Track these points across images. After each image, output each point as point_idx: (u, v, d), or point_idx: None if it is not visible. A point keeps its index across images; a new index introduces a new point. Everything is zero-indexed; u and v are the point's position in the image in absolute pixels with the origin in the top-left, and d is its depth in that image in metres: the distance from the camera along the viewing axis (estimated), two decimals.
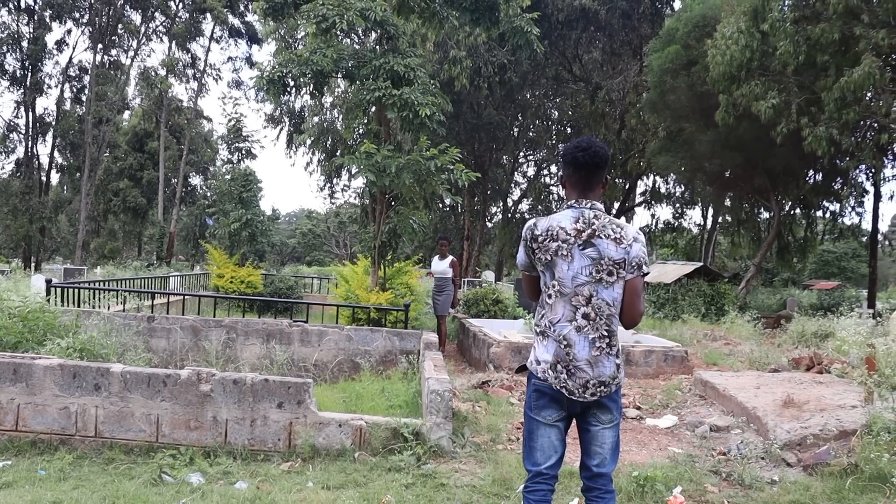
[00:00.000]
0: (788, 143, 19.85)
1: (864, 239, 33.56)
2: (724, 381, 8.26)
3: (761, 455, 5.97)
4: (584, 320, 3.40)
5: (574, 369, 3.40)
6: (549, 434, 3.53)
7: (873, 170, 24.00)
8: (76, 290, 12.18)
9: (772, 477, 5.63)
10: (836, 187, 27.93)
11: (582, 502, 5.00)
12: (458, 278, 13.71)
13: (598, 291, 3.40)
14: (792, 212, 29.79)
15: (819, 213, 31.19)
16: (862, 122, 21.35)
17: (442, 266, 12.84)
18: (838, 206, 29.98)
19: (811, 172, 26.99)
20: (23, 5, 40.36)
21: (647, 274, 3.58)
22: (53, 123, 43.08)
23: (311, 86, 13.63)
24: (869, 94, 18.09)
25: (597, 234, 3.41)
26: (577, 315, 3.41)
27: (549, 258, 3.43)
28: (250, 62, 47.33)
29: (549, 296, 3.47)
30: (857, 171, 26.35)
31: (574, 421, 3.61)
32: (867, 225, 31.02)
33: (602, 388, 3.42)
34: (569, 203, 3.56)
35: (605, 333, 3.42)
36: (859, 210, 30.73)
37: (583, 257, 3.39)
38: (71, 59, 43.74)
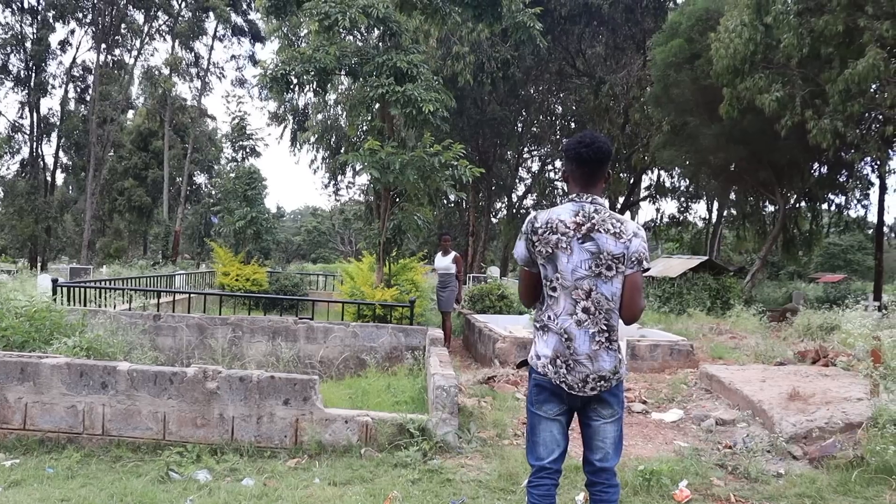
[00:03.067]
0: (793, 136, 19.80)
1: (870, 231, 33.58)
2: (729, 375, 8.26)
3: (767, 448, 5.97)
4: (584, 314, 3.41)
5: (574, 363, 3.41)
6: (551, 428, 3.53)
7: (879, 162, 23.95)
8: (82, 290, 12.22)
9: (778, 470, 5.63)
10: (841, 180, 27.90)
11: (588, 497, 5.01)
12: (462, 274, 13.71)
13: (597, 286, 3.40)
14: (797, 205, 29.77)
15: (824, 206, 31.18)
16: (867, 115, 21.28)
17: (445, 262, 12.84)
18: (844, 198, 29.96)
19: (816, 165, 26.92)
20: (26, 6, 40.45)
21: (648, 270, 3.57)
22: (58, 124, 43.16)
23: (315, 83, 13.64)
24: (874, 86, 18.03)
25: (596, 228, 3.41)
26: (578, 309, 3.41)
27: (549, 251, 3.43)
28: (254, 60, 47.38)
29: (553, 289, 3.46)
30: (863, 164, 26.29)
31: (576, 415, 3.62)
32: (873, 217, 31.02)
33: (602, 382, 3.43)
34: (570, 197, 3.57)
35: (605, 328, 3.42)
36: (865, 202, 30.69)
37: (582, 251, 3.40)
38: (74, 59, 43.84)
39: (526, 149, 40.97)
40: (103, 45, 41.52)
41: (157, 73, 45.55)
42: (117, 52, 44.33)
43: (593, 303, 3.40)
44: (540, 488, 3.54)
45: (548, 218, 3.47)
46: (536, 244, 3.47)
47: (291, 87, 13.60)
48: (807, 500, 5.03)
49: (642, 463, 5.52)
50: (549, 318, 3.48)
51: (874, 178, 28.53)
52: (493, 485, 5.25)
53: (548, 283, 3.49)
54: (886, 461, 5.30)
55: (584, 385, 3.41)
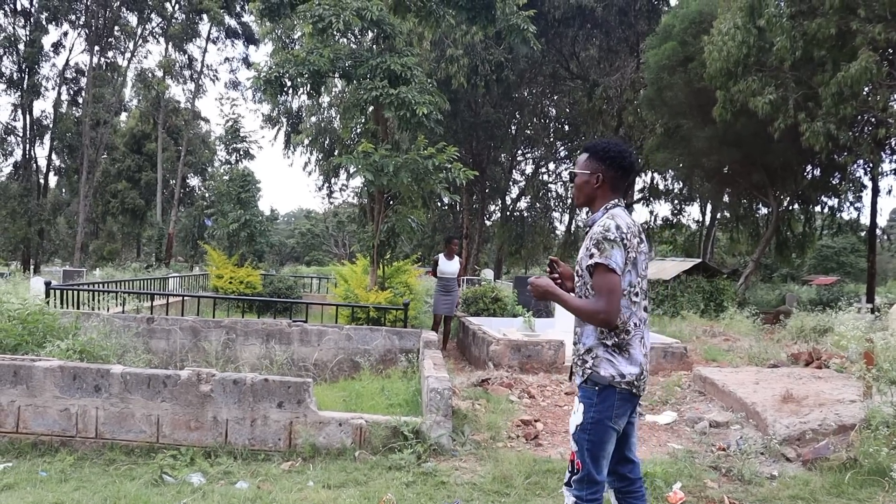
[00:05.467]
0: (786, 139, 19.85)
1: (863, 234, 33.56)
2: (723, 377, 8.27)
3: (761, 450, 5.98)
4: (644, 313, 3.56)
5: (648, 366, 3.56)
6: (615, 441, 3.57)
7: (871, 164, 23.99)
8: (75, 292, 12.18)
9: (771, 472, 5.64)
10: (834, 182, 27.90)
11: None
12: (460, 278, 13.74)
13: (647, 284, 3.56)
14: (790, 207, 29.79)
15: (817, 209, 31.20)
16: (859, 117, 21.33)
17: (453, 266, 12.83)
18: (837, 201, 29.95)
19: (809, 168, 26.97)
20: (19, 8, 40.37)
21: None
22: (51, 126, 43.06)
23: (308, 86, 13.64)
24: (866, 89, 18.07)
25: (641, 231, 3.57)
26: (645, 309, 3.56)
27: (634, 256, 3.45)
28: (247, 63, 47.34)
29: (636, 294, 3.49)
30: (856, 166, 26.33)
31: None
32: (866, 219, 31.02)
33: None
34: (615, 202, 3.59)
35: None
36: (857, 205, 30.69)
37: (643, 253, 3.52)
38: (67, 61, 43.72)
39: (520, 151, 40.96)
40: (96, 48, 41.45)
41: (150, 75, 45.51)
42: (110, 54, 44.32)
43: (648, 300, 3.52)
44: (598, 502, 3.54)
45: (625, 223, 3.46)
46: (629, 250, 3.44)
47: (285, 89, 13.59)
48: (800, 501, 5.05)
49: None
50: (634, 325, 3.48)
51: (867, 181, 28.60)
52: (488, 487, 5.24)
53: (631, 289, 3.48)
54: (879, 463, 5.31)
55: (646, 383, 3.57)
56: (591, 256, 3.39)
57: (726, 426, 6.94)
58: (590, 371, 3.46)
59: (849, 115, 17.75)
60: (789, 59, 18.02)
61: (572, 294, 3.61)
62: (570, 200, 42.26)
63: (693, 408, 7.87)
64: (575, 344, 3.62)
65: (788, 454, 5.91)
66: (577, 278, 3.60)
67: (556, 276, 3.77)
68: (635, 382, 3.43)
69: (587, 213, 3.75)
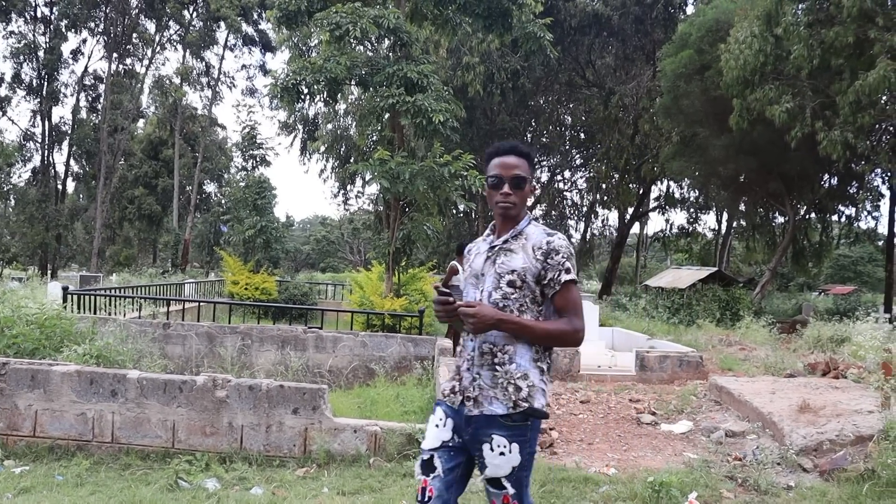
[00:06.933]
0: (803, 148, 19.76)
1: (881, 243, 33.37)
2: (739, 387, 8.23)
3: (777, 460, 5.94)
4: None
5: None
6: None
7: (889, 173, 23.91)
8: (92, 297, 12.26)
9: (788, 482, 5.60)
10: (851, 191, 27.78)
11: None
12: None
13: None
14: (807, 216, 29.65)
15: (835, 218, 31.02)
16: (877, 126, 21.23)
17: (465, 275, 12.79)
18: (854, 210, 29.79)
19: (826, 176, 26.86)
20: (39, 15, 40.70)
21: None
22: (69, 132, 43.33)
23: (325, 93, 13.71)
24: (884, 98, 17.99)
25: None
26: None
27: None
28: (264, 70, 47.63)
29: None
30: (873, 175, 26.20)
31: None
32: (883, 228, 30.86)
33: None
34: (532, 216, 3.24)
35: None
36: (875, 214, 30.51)
37: None
38: (86, 68, 44.03)
39: (535, 159, 40.93)
40: (115, 55, 41.77)
41: (167, 82, 45.85)
42: (129, 61, 44.65)
43: None
44: None
45: None
46: None
47: (302, 96, 13.67)
48: None
49: (651, 474, 5.49)
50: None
51: (884, 190, 28.44)
52: None
53: None
54: None
55: None
56: (569, 272, 2.99)
57: (742, 436, 6.90)
58: (525, 404, 2.95)
59: (866, 123, 17.67)
60: (806, 67, 17.96)
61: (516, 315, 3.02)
62: (585, 208, 42.19)
63: (709, 417, 7.83)
64: (501, 365, 3.00)
65: (805, 465, 5.87)
66: (510, 290, 3.04)
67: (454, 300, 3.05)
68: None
69: (493, 226, 3.40)
